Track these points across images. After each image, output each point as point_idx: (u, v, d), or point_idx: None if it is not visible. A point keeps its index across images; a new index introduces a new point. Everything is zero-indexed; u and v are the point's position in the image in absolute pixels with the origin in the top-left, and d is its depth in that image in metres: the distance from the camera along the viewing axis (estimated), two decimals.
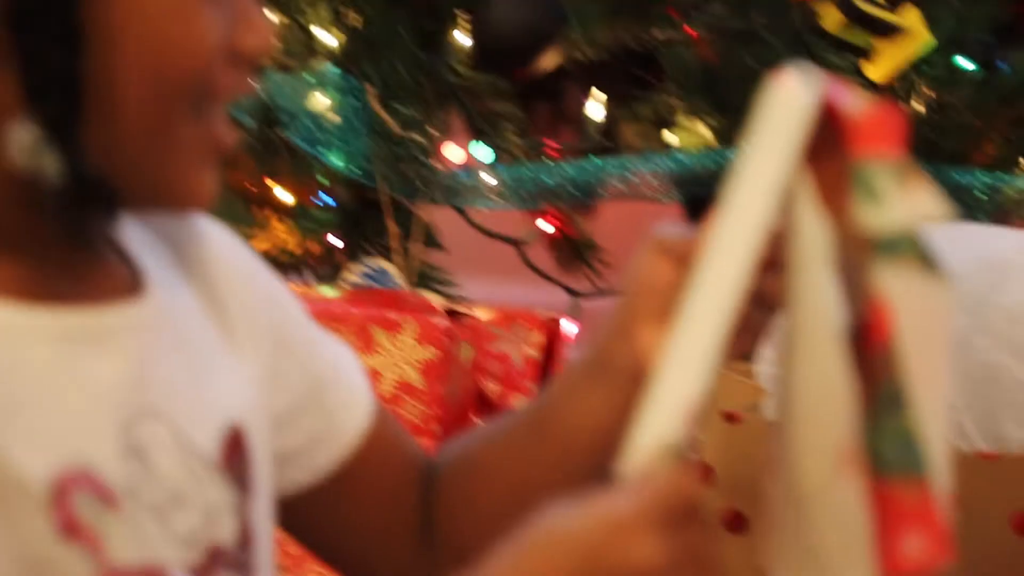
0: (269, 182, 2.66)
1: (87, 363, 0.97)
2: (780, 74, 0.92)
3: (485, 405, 2.20)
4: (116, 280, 1.02)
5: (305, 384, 1.14)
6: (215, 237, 1.10)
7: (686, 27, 2.57)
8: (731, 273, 0.91)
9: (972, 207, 2.42)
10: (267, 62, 0.98)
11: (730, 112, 2.55)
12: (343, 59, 2.61)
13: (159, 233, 1.07)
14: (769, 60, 2.52)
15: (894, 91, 2.52)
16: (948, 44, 2.52)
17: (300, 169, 2.63)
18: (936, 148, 2.50)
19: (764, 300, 1.00)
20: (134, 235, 1.05)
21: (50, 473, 0.93)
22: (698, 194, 2.61)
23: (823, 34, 2.53)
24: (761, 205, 0.91)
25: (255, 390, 1.08)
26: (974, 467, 1.41)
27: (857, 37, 2.54)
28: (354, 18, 2.62)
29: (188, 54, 0.95)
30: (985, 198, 2.45)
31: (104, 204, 0.96)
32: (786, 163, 0.93)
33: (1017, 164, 2.50)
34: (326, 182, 2.67)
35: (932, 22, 2.52)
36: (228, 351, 1.08)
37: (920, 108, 2.53)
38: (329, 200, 2.70)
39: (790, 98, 0.92)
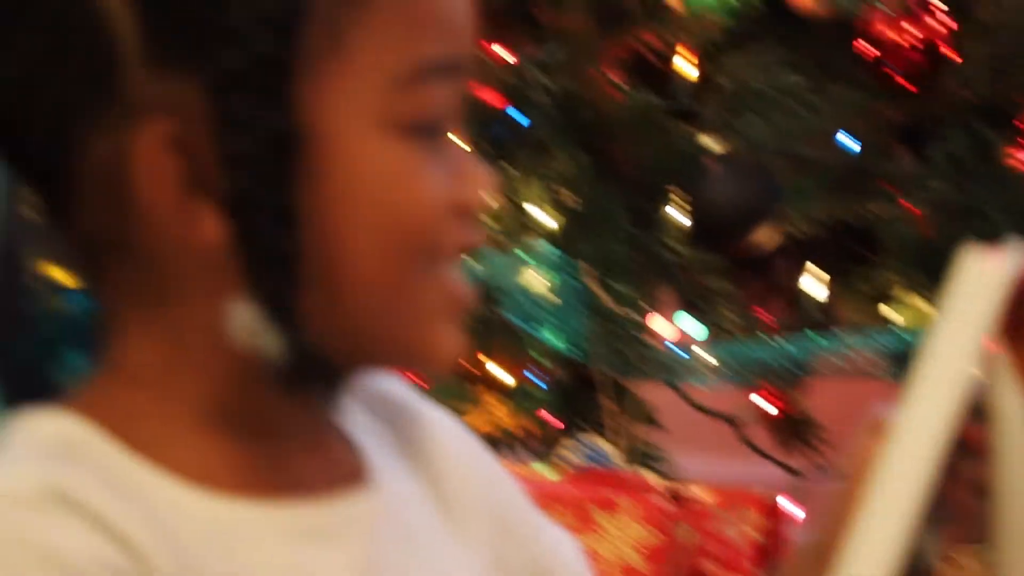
0: (484, 359, 2.64)
1: (319, 562, 0.95)
2: (978, 245, 0.86)
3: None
4: (342, 467, 0.99)
5: (528, 571, 1.09)
6: (436, 419, 1.08)
7: (904, 202, 2.51)
8: (921, 454, 0.88)
9: None
10: (484, 239, 0.95)
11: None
12: (558, 237, 2.61)
13: (378, 414, 1.05)
14: (989, 235, 2.46)
15: None
16: None
17: (515, 346, 2.61)
18: None
19: (976, 486, 0.98)
20: (355, 417, 1.02)
21: None
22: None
23: None
24: (954, 379, 0.89)
25: None
26: None
27: None
28: (568, 197, 2.61)
29: (416, 214, 0.92)
30: None
31: (327, 378, 0.95)
32: (981, 336, 0.90)
33: None
34: (541, 359, 2.63)
35: None
36: (453, 539, 1.04)
37: None
38: (544, 377, 2.67)
39: (988, 269, 0.88)
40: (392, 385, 1.06)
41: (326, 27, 0.89)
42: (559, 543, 1.11)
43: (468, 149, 0.96)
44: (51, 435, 0.92)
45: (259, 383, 0.92)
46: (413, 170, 0.92)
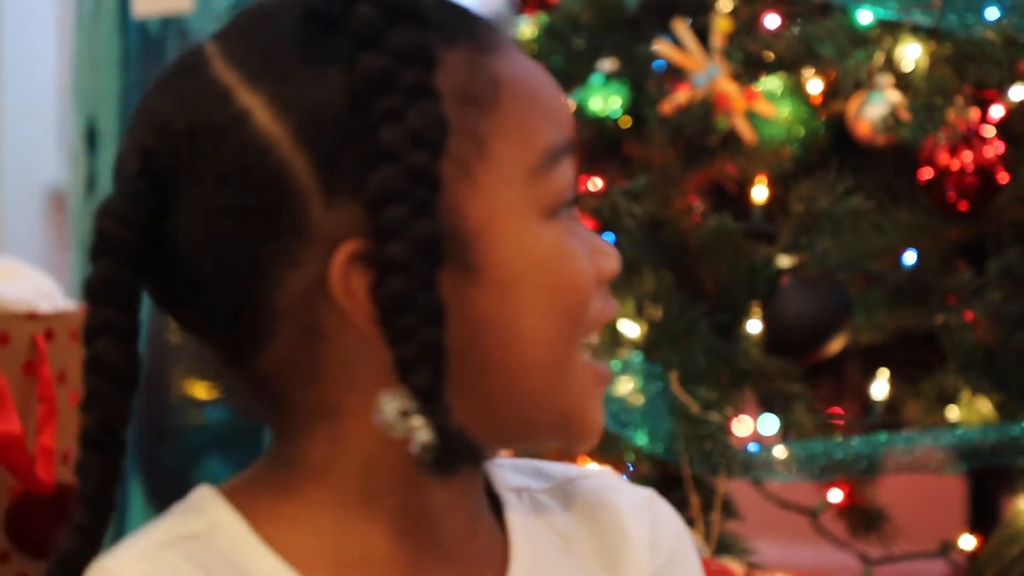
0: (583, 459, 2.65)
1: None
2: None
3: None
4: (485, 553, 0.99)
5: None
6: (629, 511, 1.05)
7: (966, 312, 2.51)
8: None
9: None
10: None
11: (1010, 389, 2.50)
12: (646, 347, 2.61)
13: (578, 511, 1.03)
14: None
15: None
16: None
17: (608, 447, 2.62)
18: None
19: None
20: (530, 507, 1.02)
21: None
22: (981, 466, 2.55)
23: None
24: None
25: None
26: None
27: None
28: (654, 311, 2.61)
29: (578, 289, 0.94)
30: None
31: (470, 458, 0.92)
32: None
33: None
34: (632, 458, 2.63)
35: None
36: None
37: None
38: (636, 476, 2.67)
39: None
40: (602, 481, 1.05)
41: (467, 137, 0.92)
42: None
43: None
44: (184, 524, 0.94)
45: (412, 472, 0.91)
46: (566, 249, 0.94)
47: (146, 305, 0.97)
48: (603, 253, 0.96)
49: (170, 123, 0.92)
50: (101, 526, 0.95)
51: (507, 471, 1.02)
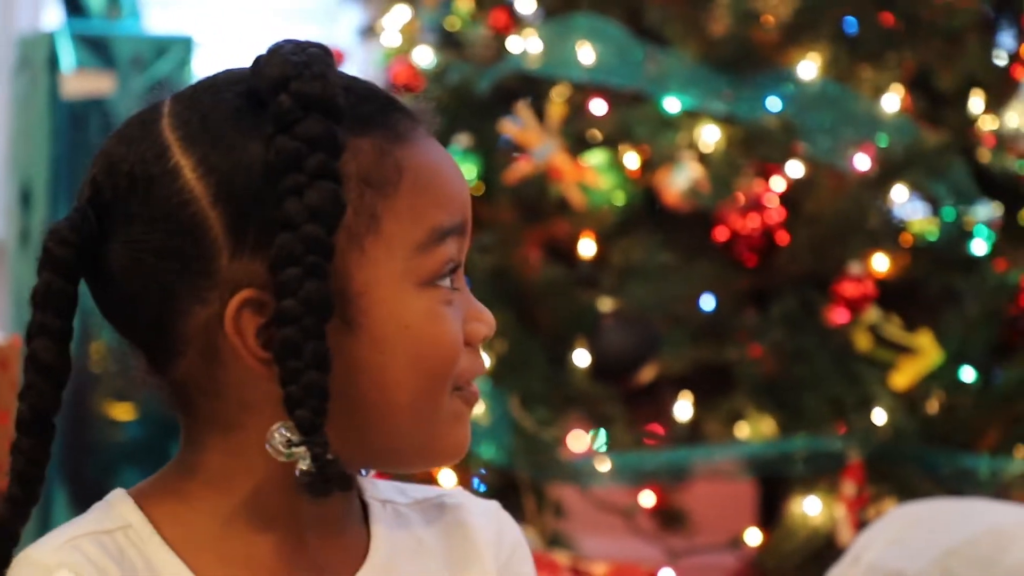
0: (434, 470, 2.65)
1: None
2: None
3: None
4: (350, 551, 0.97)
5: None
6: (477, 522, 1.03)
7: (753, 347, 2.56)
8: None
9: (979, 486, 2.37)
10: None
11: (789, 411, 2.54)
12: (492, 375, 2.66)
13: (432, 523, 1.02)
14: (817, 372, 2.52)
15: (914, 395, 2.49)
16: (954, 359, 2.51)
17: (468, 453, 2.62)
18: (948, 439, 2.46)
19: None
20: (392, 516, 1.01)
21: None
22: (766, 474, 2.59)
23: (857, 354, 2.53)
24: None
25: None
26: None
27: (885, 355, 2.53)
28: (500, 345, 2.65)
29: (444, 351, 0.93)
30: (989, 479, 2.40)
31: (343, 485, 0.91)
32: None
33: (1013, 451, 2.45)
34: (479, 468, 2.65)
35: (942, 342, 2.51)
36: None
37: (934, 408, 2.49)
38: (481, 482, 2.68)
39: None
40: (455, 499, 1.04)
41: (364, 213, 0.91)
42: None
43: (471, 293, 0.96)
44: (99, 522, 0.94)
45: (292, 487, 0.91)
46: (438, 315, 0.92)
47: (75, 338, 0.97)
48: (478, 319, 0.94)
49: (117, 164, 0.93)
50: (30, 498, 0.95)
51: (376, 485, 1.03)
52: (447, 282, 0.93)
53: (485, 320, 0.94)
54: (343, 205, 0.89)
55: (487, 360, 2.65)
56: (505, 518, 1.04)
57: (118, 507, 0.94)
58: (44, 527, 0.99)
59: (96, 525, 0.93)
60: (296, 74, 0.90)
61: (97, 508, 0.96)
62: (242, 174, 0.90)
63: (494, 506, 1.04)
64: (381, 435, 0.93)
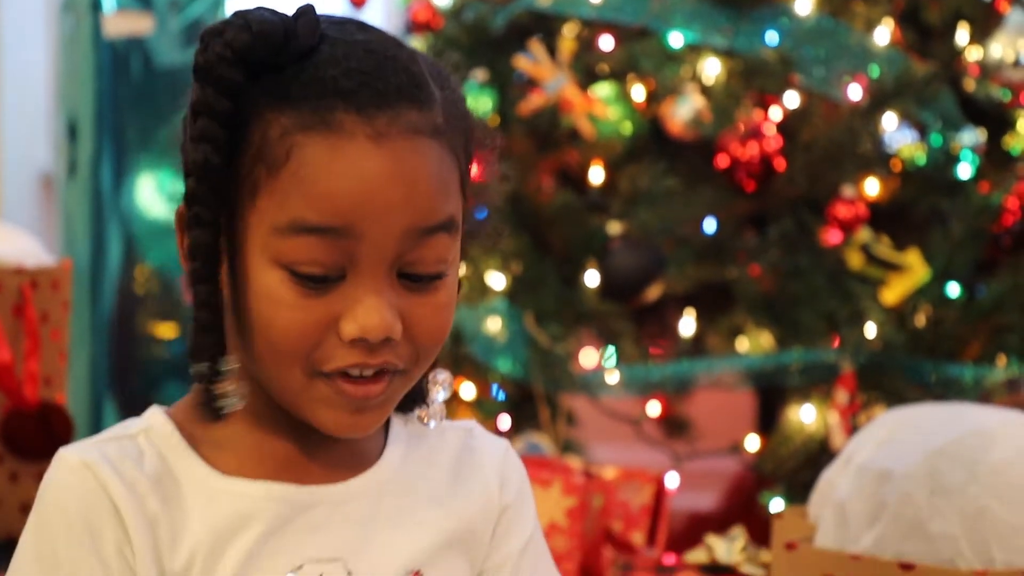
0: (457, 382, 2.66)
1: (298, 522, 0.96)
2: None
3: (612, 540, 2.16)
4: (369, 450, 1.00)
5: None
6: (488, 448, 1.04)
7: (752, 267, 2.55)
8: None
9: (963, 392, 2.36)
10: (380, 361, 0.93)
11: (785, 326, 2.53)
12: (509, 294, 2.65)
13: (444, 437, 1.03)
14: (812, 289, 2.51)
15: (903, 310, 2.48)
16: (941, 275, 2.49)
17: (480, 372, 2.63)
18: (935, 350, 2.45)
19: None
20: (410, 431, 1.02)
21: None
22: (764, 385, 2.59)
23: (849, 272, 2.52)
24: None
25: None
26: None
27: (875, 272, 2.51)
28: (516, 266, 2.62)
29: (271, 330, 0.92)
30: (972, 386, 2.39)
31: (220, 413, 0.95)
32: None
33: (995, 360, 2.44)
34: (497, 380, 2.65)
35: (929, 260, 2.50)
36: (436, 519, 1.01)
37: (922, 321, 2.48)
38: (500, 393, 2.69)
39: None
40: (469, 428, 1.04)
41: (249, 182, 0.92)
42: None
43: (372, 296, 0.91)
44: (125, 428, 0.98)
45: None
46: (278, 297, 0.91)
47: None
48: (352, 319, 0.91)
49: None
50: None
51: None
52: (319, 278, 0.90)
53: (359, 322, 0.91)
54: (215, 168, 0.90)
55: (502, 280, 2.68)
56: (513, 457, 1.04)
57: (147, 416, 0.98)
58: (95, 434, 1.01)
59: (122, 431, 0.98)
60: (219, 33, 0.90)
61: (130, 419, 1.00)
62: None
63: (504, 444, 1.04)
64: (270, 381, 0.93)
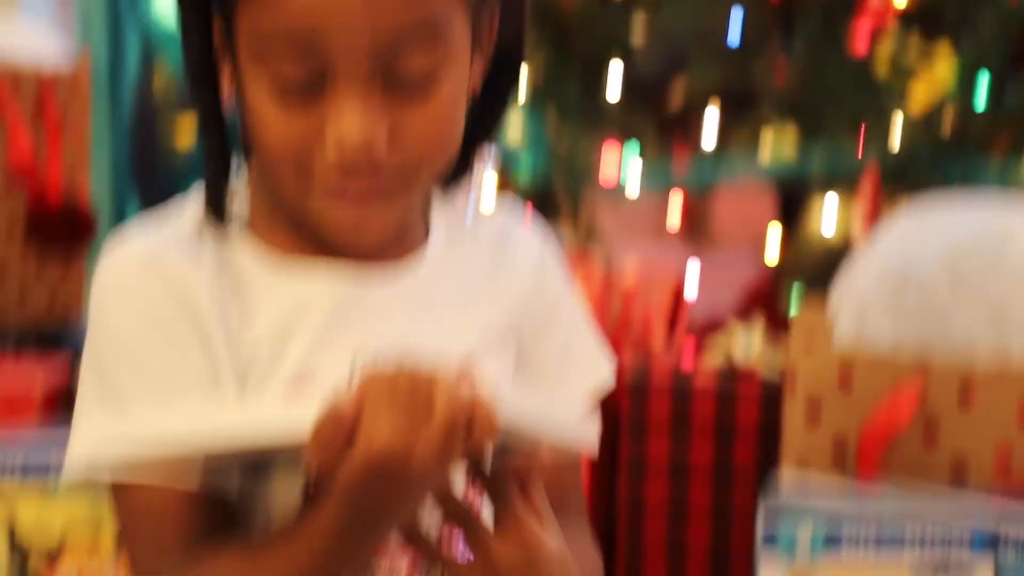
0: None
1: (361, 304, 0.96)
2: None
3: (630, 342, 2.17)
4: (413, 238, 0.99)
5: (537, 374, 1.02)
6: (525, 239, 1.03)
7: (778, 65, 2.50)
8: None
9: (990, 185, 2.37)
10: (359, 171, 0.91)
11: (810, 126, 2.51)
12: (530, 95, 2.61)
13: (484, 223, 1.02)
14: (838, 89, 2.48)
15: (930, 109, 2.46)
16: (969, 75, 2.45)
17: (506, 172, 2.62)
18: (963, 144, 2.44)
19: None
20: (452, 219, 1.01)
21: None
22: (786, 183, 2.59)
23: (876, 72, 2.48)
24: None
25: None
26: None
27: (903, 73, 2.49)
28: (537, 68, 2.60)
29: (263, 144, 0.92)
30: (998, 181, 2.39)
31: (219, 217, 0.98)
32: None
33: (1021, 157, 2.44)
34: (525, 179, 2.63)
35: (958, 60, 2.46)
36: (474, 317, 0.99)
37: (949, 119, 2.46)
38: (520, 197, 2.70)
39: None
40: (510, 215, 1.03)
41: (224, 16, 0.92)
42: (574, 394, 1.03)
43: (347, 100, 0.88)
44: (180, 213, 0.97)
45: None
46: (267, 113, 0.89)
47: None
48: (329, 139, 0.88)
49: None
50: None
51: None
52: (303, 96, 0.88)
53: (334, 142, 0.88)
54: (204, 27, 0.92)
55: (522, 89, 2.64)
56: (551, 249, 1.03)
57: (188, 202, 0.97)
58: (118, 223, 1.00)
59: (166, 219, 0.97)
60: None
61: (167, 207, 0.98)
62: None
63: (543, 234, 1.03)
64: (275, 192, 0.94)
